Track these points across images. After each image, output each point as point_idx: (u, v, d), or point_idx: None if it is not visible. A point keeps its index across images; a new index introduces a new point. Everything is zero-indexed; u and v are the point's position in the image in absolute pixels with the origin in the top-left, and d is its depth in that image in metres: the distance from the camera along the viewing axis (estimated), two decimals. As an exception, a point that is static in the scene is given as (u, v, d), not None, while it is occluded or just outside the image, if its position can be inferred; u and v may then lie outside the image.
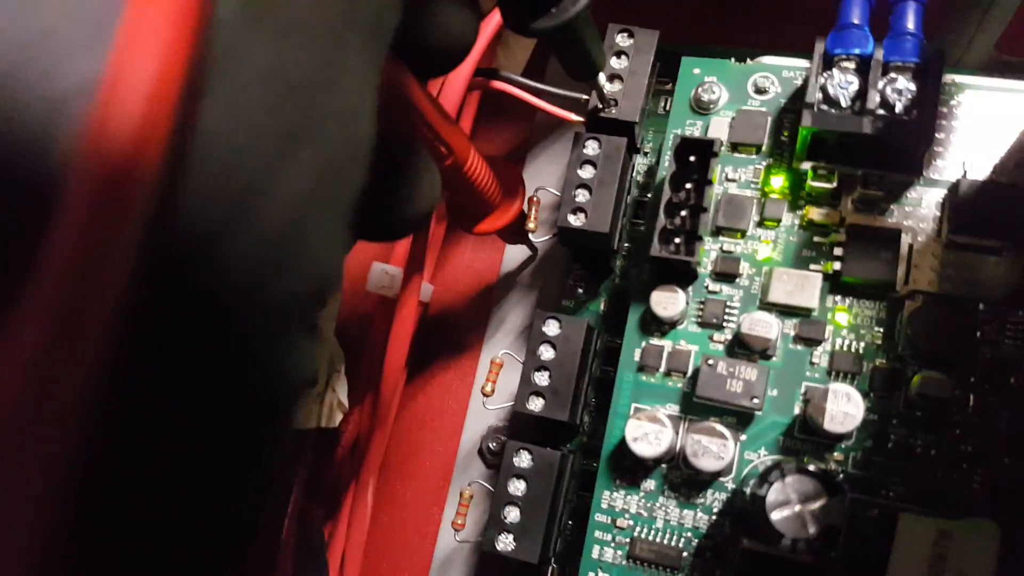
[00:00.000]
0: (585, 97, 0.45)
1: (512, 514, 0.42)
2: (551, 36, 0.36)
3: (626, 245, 0.48)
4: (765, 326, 0.40)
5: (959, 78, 0.43)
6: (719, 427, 0.39)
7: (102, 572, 0.15)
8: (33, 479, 0.12)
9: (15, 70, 0.13)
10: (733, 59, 0.46)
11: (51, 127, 0.13)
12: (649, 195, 0.48)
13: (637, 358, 0.43)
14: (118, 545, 0.15)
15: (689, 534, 0.41)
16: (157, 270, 0.14)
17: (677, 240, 0.42)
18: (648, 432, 0.40)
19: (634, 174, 0.48)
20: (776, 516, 0.34)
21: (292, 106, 0.16)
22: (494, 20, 0.44)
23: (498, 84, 0.45)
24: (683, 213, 0.42)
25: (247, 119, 0.15)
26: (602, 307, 0.48)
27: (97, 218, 0.12)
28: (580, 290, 0.49)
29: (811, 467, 0.35)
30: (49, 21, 0.13)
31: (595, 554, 0.42)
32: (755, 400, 0.39)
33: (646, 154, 0.49)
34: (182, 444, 0.15)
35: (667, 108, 0.49)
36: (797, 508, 0.34)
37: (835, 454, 0.39)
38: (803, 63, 0.45)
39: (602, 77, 0.43)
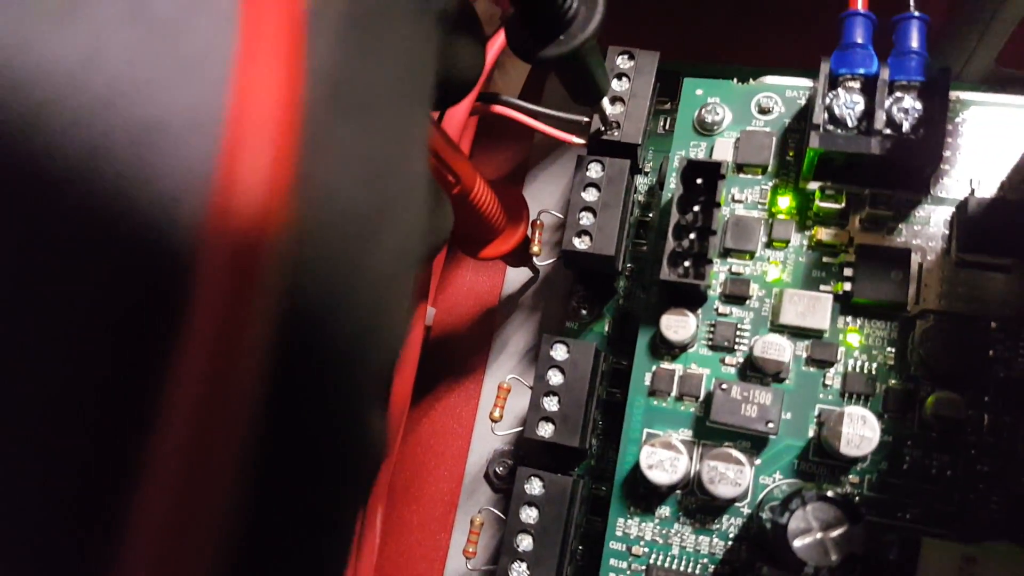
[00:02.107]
0: (586, 119, 0.45)
1: (525, 542, 0.41)
2: (558, 64, 0.36)
3: (629, 266, 0.48)
4: (778, 349, 0.40)
5: (963, 95, 0.43)
6: (735, 453, 0.39)
7: None
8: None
9: (139, 142, 0.13)
10: (736, 79, 0.46)
11: (177, 202, 0.13)
12: (651, 215, 0.48)
13: (648, 382, 0.43)
14: None
15: (705, 560, 0.40)
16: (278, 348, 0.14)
17: (686, 263, 0.41)
18: (663, 459, 0.40)
19: (635, 195, 0.48)
20: (798, 544, 0.34)
21: (376, 183, 0.17)
22: (496, 44, 0.44)
23: (499, 109, 0.45)
24: (691, 236, 0.42)
25: (344, 199, 0.16)
26: (607, 328, 0.48)
27: (233, 297, 0.13)
28: (584, 311, 0.49)
29: (831, 493, 0.35)
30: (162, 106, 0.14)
31: (611, 582, 0.41)
32: (770, 424, 0.39)
33: (646, 173, 0.49)
34: (297, 505, 0.16)
35: (667, 127, 0.49)
36: (819, 536, 0.34)
37: (851, 477, 0.39)
38: (806, 82, 0.45)
39: (605, 100, 0.43)
